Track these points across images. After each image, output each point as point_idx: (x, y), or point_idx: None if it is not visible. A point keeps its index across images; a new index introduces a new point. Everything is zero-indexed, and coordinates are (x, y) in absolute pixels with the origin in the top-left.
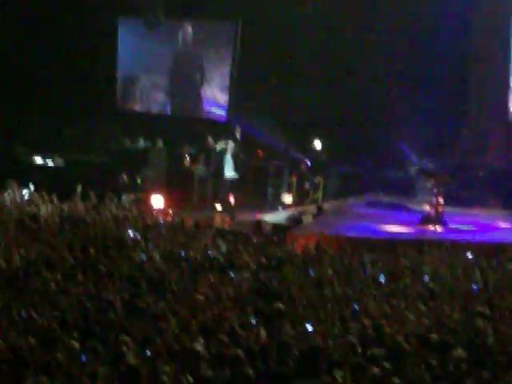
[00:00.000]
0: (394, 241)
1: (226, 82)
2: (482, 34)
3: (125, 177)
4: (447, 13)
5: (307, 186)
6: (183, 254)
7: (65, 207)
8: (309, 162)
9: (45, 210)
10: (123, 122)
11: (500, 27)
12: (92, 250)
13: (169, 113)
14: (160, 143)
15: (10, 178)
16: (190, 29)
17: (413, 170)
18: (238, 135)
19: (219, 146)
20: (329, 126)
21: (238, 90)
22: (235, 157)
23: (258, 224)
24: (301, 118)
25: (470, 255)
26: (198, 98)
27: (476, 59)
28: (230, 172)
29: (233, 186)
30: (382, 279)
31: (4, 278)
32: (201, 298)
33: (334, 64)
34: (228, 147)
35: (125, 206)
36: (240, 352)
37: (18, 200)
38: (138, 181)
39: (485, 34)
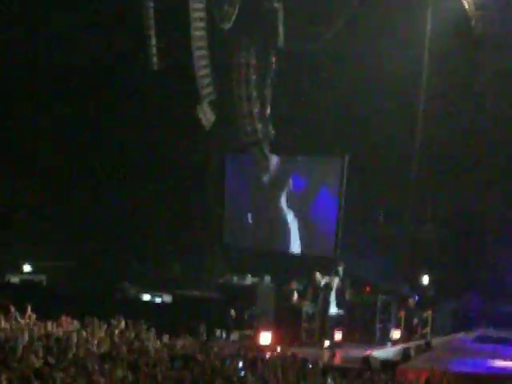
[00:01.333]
0: (505, 377)
1: (333, 218)
2: None
3: (233, 313)
4: None
5: (415, 321)
6: None
7: (175, 343)
8: (417, 297)
9: (153, 346)
10: (230, 257)
11: None
12: None
13: (275, 249)
14: (267, 279)
15: (118, 314)
16: (299, 165)
17: None
18: (341, 271)
19: (324, 282)
20: (436, 263)
21: (344, 226)
22: (340, 293)
23: (367, 359)
24: (409, 252)
25: None
26: (306, 235)
27: None
28: (334, 308)
29: (339, 321)
30: None
31: None
32: None
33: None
34: (333, 283)
35: (233, 343)
36: None
37: (129, 336)
38: (246, 317)
39: None
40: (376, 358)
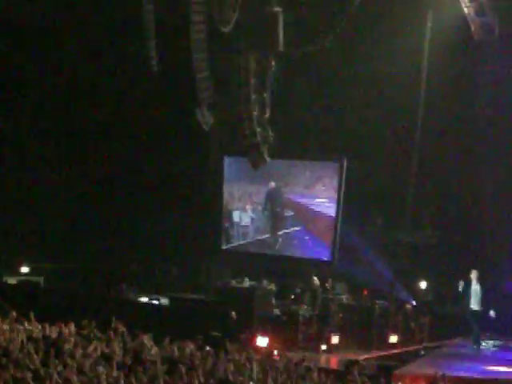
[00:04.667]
0: (501, 381)
1: (331, 222)
2: None
3: (234, 315)
4: None
5: (412, 326)
6: None
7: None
8: (414, 302)
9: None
10: (228, 261)
11: None
12: None
13: (273, 253)
14: (265, 282)
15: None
16: (297, 168)
17: None
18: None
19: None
20: (434, 266)
21: (342, 230)
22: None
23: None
24: (406, 256)
25: None
26: (304, 239)
27: None
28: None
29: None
30: None
31: None
32: None
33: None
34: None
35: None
36: None
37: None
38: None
39: None
40: (369, 362)
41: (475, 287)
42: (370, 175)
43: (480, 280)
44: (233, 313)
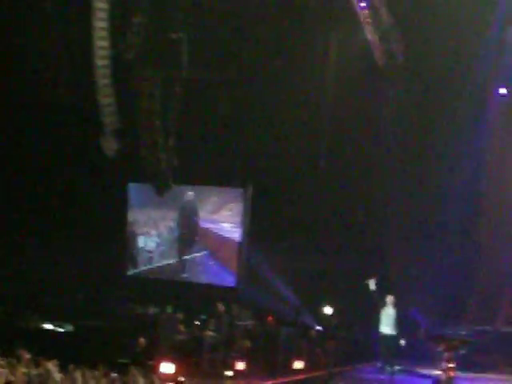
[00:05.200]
0: None
1: (237, 248)
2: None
3: (142, 341)
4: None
5: (318, 351)
6: None
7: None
8: (319, 327)
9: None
10: (133, 287)
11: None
12: None
13: (179, 279)
14: (169, 308)
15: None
16: (203, 194)
17: (422, 334)
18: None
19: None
20: (339, 291)
21: (247, 256)
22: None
23: None
24: (311, 281)
25: None
26: (210, 265)
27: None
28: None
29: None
30: None
31: None
32: None
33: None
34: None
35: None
36: None
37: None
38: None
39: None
40: None
41: (390, 312)
42: (275, 201)
43: (395, 306)
44: (141, 339)
